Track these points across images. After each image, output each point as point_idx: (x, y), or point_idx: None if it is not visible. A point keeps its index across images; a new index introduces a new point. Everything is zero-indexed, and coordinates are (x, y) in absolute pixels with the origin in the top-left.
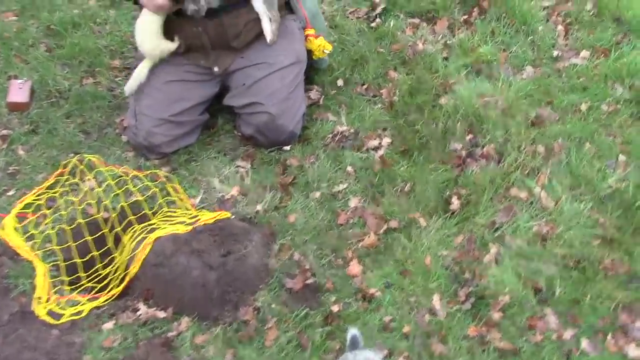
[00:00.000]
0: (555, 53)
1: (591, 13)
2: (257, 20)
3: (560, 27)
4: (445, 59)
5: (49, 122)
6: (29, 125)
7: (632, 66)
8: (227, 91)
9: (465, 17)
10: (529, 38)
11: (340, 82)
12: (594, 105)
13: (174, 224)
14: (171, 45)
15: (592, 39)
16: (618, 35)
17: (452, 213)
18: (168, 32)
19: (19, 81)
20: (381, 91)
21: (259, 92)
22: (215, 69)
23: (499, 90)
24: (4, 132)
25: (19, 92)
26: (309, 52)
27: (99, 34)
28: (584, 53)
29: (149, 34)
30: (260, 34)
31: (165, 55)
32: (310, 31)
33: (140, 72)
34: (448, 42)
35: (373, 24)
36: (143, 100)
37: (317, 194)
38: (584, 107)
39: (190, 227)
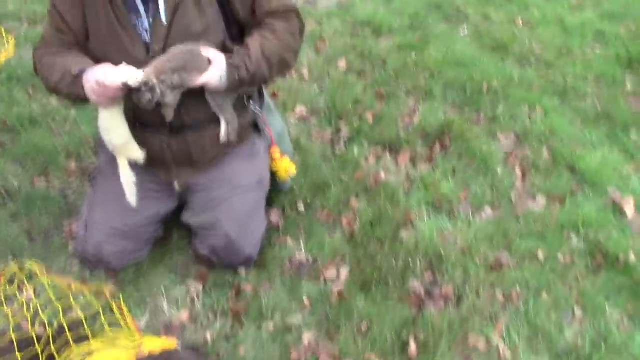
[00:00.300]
0: (513, 196)
1: (547, 160)
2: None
3: (518, 171)
4: (407, 191)
5: None
6: None
7: (587, 217)
8: (186, 208)
9: (428, 151)
10: (489, 179)
11: (301, 207)
12: (551, 254)
13: (115, 349)
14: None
15: (549, 186)
16: (573, 184)
17: (409, 358)
18: None
19: None
20: (342, 219)
21: (218, 212)
22: (176, 184)
23: (459, 229)
24: None
25: None
26: (273, 174)
27: (57, 133)
28: (541, 199)
29: (114, 128)
30: (225, 153)
31: (135, 155)
32: (276, 152)
33: (126, 174)
34: (410, 174)
35: (337, 150)
36: (96, 210)
37: (271, 325)
38: (540, 255)
39: (132, 355)
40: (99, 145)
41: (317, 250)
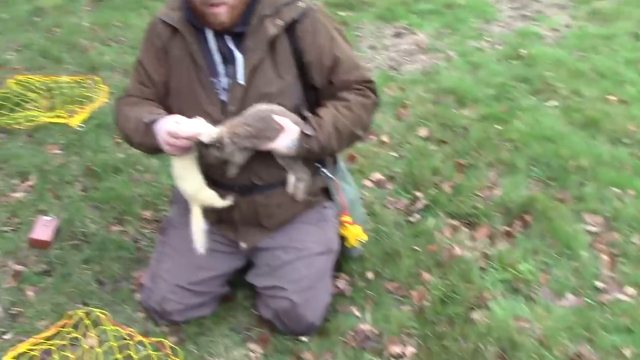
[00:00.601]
0: (598, 284)
1: (638, 248)
2: (292, 202)
3: (604, 257)
4: (483, 269)
5: (66, 266)
6: (44, 266)
7: None
8: (252, 267)
9: (507, 228)
10: (572, 263)
11: (370, 275)
12: (639, 352)
13: None
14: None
15: (639, 275)
16: None
17: None
18: None
19: (46, 218)
20: (412, 292)
21: (283, 276)
22: (243, 244)
23: (537, 315)
24: (18, 267)
25: (43, 229)
26: (343, 239)
27: (137, 182)
28: (629, 290)
29: (187, 177)
30: (294, 217)
31: (210, 201)
32: (347, 218)
33: (197, 222)
34: (487, 251)
35: (412, 219)
36: (163, 264)
37: None
38: (627, 352)
39: None
40: (174, 198)
41: (383, 322)
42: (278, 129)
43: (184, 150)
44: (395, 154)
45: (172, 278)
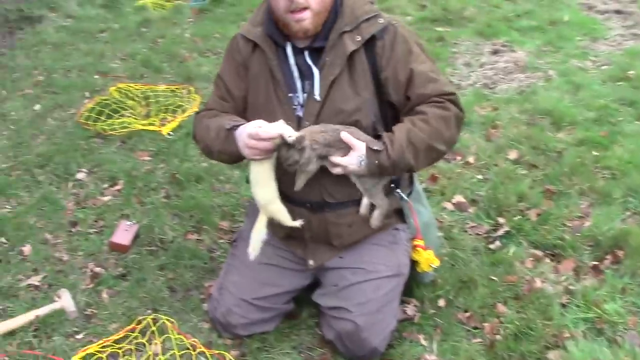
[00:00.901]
0: None
1: None
2: (363, 222)
3: None
4: (564, 306)
5: (141, 271)
6: (121, 269)
7: None
8: (319, 286)
9: (595, 263)
10: None
11: (441, 302)
12: None
13: None
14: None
15: None
16: None
17: None
18: None
19: (128, 223)
20: (484, 324)
21: (349, 297)
22: (311, 262)
23: None
24: (97, 269)
25: (124, 233)
26: (414, 263)
27: (217, 192)
28: None
29: (263, 183)
30: (364, 237)
31: (279, 216)
32: (420, 242)
33: (258, 229)
34: (570, 287)
35: (492, 246)
36: (231, 276)
37: None
38: None
39: None
40: (248, 211)
41: (450, 354)
42: (349, 146)
43: (264, 153)
44: (480, 176)
45: (237, 291)
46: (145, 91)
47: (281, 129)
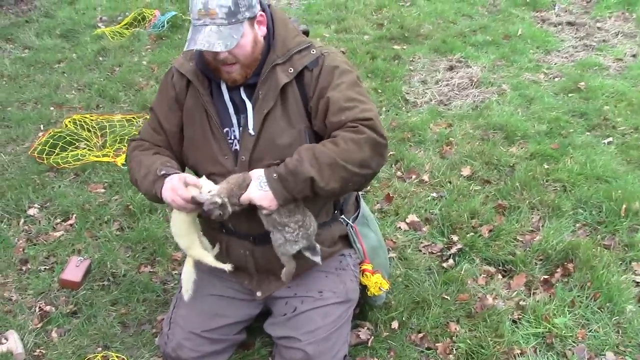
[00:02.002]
0: None
1: None
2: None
3: None
4: (515, 322)
5: (92, 307)
6: (72, 306)
7: None
8: (269, 316)
9: (546, 277)
10: (614, 319)
11: (395, 324)
12: None
13: None
14: (209, 250)
15: None
16: None
17: None
18: (214, 243)
19: (79, 258)
20: (437, 345)
21: (298, 326)
22: (258, 293)
23: None
24: (47, 308)
25: (74, 270)
26: (364, 288)
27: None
28: None
29: (182, 233)
30: (308, 267)
31: (204, 260)
32: (368, 266)
33: (187, 271)
34: (522, 302)
35: (445, 264)
36: (180, 309)
37: None
38: None
39: None
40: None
41: None
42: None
43: (183, 208)
44: (435, 194)
45: (187, 325)
46: (100, 121)
47: (195, 190)
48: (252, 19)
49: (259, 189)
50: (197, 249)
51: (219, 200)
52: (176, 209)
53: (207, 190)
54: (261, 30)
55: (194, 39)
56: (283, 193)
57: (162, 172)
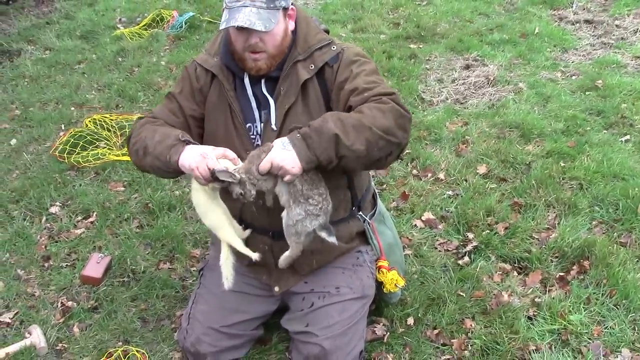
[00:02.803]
0: None
1: None
2: (326, 250)
3: None
4: (530, 318)
5: (113, 302)
6: (93, 302)
7: None
8: (287, 310)
9: (562, 274)
10: (630, 316)
11: (410, 321)
12: None
13: None
14: (240, 233)
15: None
16: None
17: None
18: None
19: (100, 255)
20: (453, 341)
21: (315, 321)
22: (276, 289)
23: None
24: (69, 303)
25: (95, 266)
26: (380, 284)
27: (189, 220)
28: None
29: (205, 211)
30: (327, 264)
31: (232, 243)
32: (384, 263)
33: (224, 257)
34: (537, 299)
35: (460, 262)
36: (199, 304)
37: None
38: None
39: None
40: (213, 239)
41: None
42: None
43: (202, 179)
44: (450, 192)
45: (205, 320)
46: (120, 121)
47: (217, 163)
48: (285, 10)
49: (282, 149)
50: (226, 230)
51: (237, 176)
52: (194, 178)
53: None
54: (290, 25)
55: (233, 17)
56: (307, 153)
57: (185, 138)
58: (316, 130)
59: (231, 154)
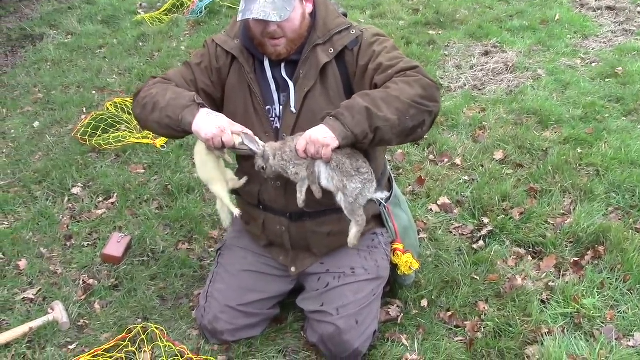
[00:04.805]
0: None
1: None
2: (342, 232)
3: None
4: (543, 302)
5: (133, 281)
6: (113, 280)
7: None
8: (302, 290)
9: (576, 259)
10: None
11: (424, 303)
12: None
13: None
14: (233, 180)
15: None
16: None
17: None
18: (250, 222)
19: (120, 235)
20: (466, 323)
21: (330, 301)
22: (292, 269)
23: (597, 354)
24: (90, 281)
25: (116, 245)
26: (394, 267)
27: (207, 202)
28: None
29: (204, 165)
30: (342, 244)
31: (221, 195)
32: (399, 245)
33: (219, 205)
34: (551, 283)
35: (475, 246)
36: (216, 283)
37: None
38: None
39: None
40: (232, 220)
41: (432, 353)
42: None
43: (214, 148)
44: (466, 177)
45: (223, 298)
46: None
47: (238, 138)
48: None
49: (317, 129)
50: (216, 185)
51: (261, 147)
52: (207, 146)
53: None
54: (308, 8)
55: (249, 9)
56: (342, 129)
57: (200, 101)
58: (347, 108)
59: (249, 132)
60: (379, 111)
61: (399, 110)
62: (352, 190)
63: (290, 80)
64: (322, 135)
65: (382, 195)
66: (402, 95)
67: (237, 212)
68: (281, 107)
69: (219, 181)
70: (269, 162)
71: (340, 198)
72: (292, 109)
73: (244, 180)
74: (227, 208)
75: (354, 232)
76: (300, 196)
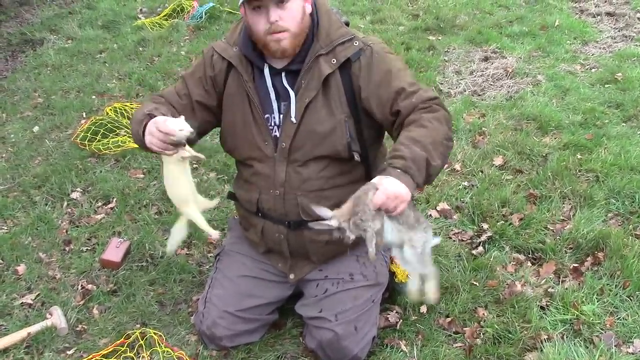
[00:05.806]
0: None
1: None
2: (339, 240)
3: None
4: (543, 308)
5: (131, 286)
6: (112, 285)
7: None
8: (301, 296)
9: (576, 265)
10: None
11: (423, 309)
12: None
13: None
14: (204, 202)
15: None
16: None
17: None
18: (249, 229)
19: (119, 240)
20: (465, 329)
21: (329, 307)
22: (291, 276)
23: None
24: (89, 286)
25: (114, 250)
26: (392, 275)
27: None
28: None
29: (171, 184)
30: (341, 252)
31: (195, 220)
32: None
33: (178, 227)
34: (550, 289)
35: (474, 252)
36: (215, 289)
37: None
38: None
39: None
40: (231, 225)
41: (431, 359)
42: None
43: (161, 146)
44: (466, 183)
45: (221, 304)
46: None
47: (179, 125)
48: None
49: (390, 183)
50: (189, 206)
51: (333, 225)
52: (154, 148)
53: (185, 128)
54: (308, 8)
55: None
56: (411, 182)
57: (148, 110)
58: (412, 160)
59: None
60: (433, 160)
61: (443, 155)
62: (418, 241)
63: (292, 89)
64: (402, 191)
65: (437, 240)
66: (439, 136)
67: (215, 234)
68: (281, 115)
69: (191, 202)
70: (346, 234)
71: (406, 254)
72: (292, 119)
73: (215, 201)
74: (181, 237)
75: (433, 287)
76: (372, 250)
